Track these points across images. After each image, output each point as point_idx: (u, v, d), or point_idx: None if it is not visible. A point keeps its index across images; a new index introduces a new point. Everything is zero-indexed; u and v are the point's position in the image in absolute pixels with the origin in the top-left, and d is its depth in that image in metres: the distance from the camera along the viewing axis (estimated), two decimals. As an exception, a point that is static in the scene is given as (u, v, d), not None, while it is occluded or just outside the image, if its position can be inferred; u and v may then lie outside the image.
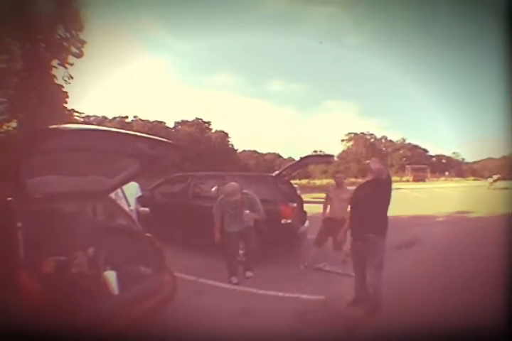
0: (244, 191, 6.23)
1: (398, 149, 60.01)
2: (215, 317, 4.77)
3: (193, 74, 79.15)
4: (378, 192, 4.75)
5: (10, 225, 3.57)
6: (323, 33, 63.84)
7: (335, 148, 61.93)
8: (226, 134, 55.97)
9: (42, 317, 3.13)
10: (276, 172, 8.80)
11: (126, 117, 52.48)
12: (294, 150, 79.60)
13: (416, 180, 49.48)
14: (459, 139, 64.91)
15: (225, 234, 6.28)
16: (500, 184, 29.07)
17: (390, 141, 62.09)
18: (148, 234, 4.75)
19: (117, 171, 4.77)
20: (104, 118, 51.06)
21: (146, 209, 7.01)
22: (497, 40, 7.89)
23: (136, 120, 52.39)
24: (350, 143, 61.34)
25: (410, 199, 20.96)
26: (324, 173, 51.91)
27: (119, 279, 4.15)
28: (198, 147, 48.65)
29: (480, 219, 13.06)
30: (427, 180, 50.56)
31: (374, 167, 4.73)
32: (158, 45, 69.88)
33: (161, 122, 52.96)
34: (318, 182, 42.98)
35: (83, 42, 19.66)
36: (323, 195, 7.26)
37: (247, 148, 62.11)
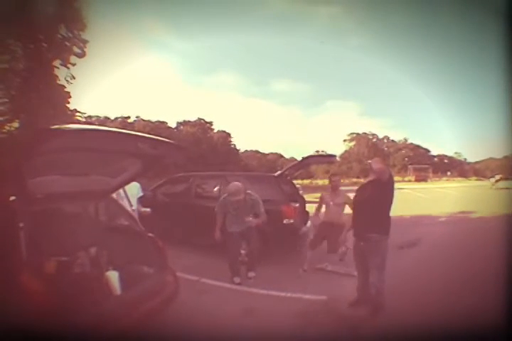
0: (248, 191, 6.23)
1: (400, 149, 60.07)
2: (217, 317, 4.77)
3: (196, 74, 79.52)
4: (380, 192, 4.75)
5: (12, 225, 3.57)
6: (325, 33, 63.83)
7: (337, 148, 62.04)
8: (228, 134, 56.09)
9: (44, 318, 3.13)
10: (279, 172, 8.80)
11: (129, 117, 52.68)
12: (296, 150, 79.73)
13: (418, 180, 49.52)
14: (461, 139, 64.83)
15: (226, 233, 6.27)
16: (503, 184, 29.11)
17: (392, 140, 62.23)
18: (150, 234, 4.75)
19: (119, 171, 4.77)
20: (106, 118, 51.28)
21: (148, 209, 7.01)
22: (497, 40, 7.89)
23: (138, 120, 52.53)
24: (353, 143, 61.43)
25: (412, 199, 20.96)
26: (326, 173, 51.81)
27: (122, 279, 4.15)
28: (200, 147, 48.72)
29: (482, 219, 13.04)
30: (429, 180, 50.58)
31: (376, 167, 4.73)
32: (161, 45, 70.17)
33: (163, 122, 53.12)
34: (320, 182, 43.09)
35: (85, 42, 19.70)
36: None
37: (249, 148, 62.29)
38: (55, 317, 3.15)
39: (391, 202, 4.84)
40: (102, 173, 4.66)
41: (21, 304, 3.19)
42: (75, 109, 23.08)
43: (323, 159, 11.62)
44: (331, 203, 6.74)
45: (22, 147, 3.96)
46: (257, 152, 63.35)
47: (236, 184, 6.15)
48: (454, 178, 52.68)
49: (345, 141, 61.78)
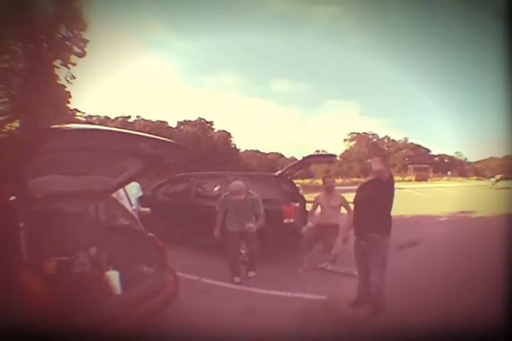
0: (249, 191, 6.23)
1: (400, 149, 59.93)
2: (217, 317, 4.76)
3: (196, 74, 79.37)
4: (380, 191, 4.75)
5: (12, 225, 3.57)
6: (325, 33, 63.81)
7: (337, 147, 61.84)
8: (229, 134, 55.97)
9: (44, 318, 3.13)
10: (279, 171, 8.82)
11: (129, 117, 52.56)
12: (296, 149, 79.50)
13: (418, 179, 49.44)
14: (461, 139, 64.73)
15: (226, 233, 6.27)
16: (503, 183, 29.05)
17: (393, 140, 62.04)
18: (150, 234, 4.75)
19: (120, 171, 4.77)
20: (107, 118, 51.15)
21: (148, 209, 7.01)
22: (497, 40, 7.89)
23: (139, 120, 52.42)
24: (353, 142, 61.27)
25: (412, 198, 20.94)
26: (327, 173, 51.90)
27: (122, 279, 4.16)
28: (200, 147, 48.66)
29: (482, 218, 13.05)
30: (429, 179, 50.49)
31: (375, 168, 4.73)
32: (161, 45, 69.96)
33: (163, 122, 52.97)
34: (320, 181, 43.04)
35: (86, 42, 19.72)
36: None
37: (249, 148, 62.07)
38: (55, 317, 3.15)
39: (392, 202, 4.84)
40: (102, 173, 4.66)
41: (21, 304, 3.19)
42: (76, 109, 23.16)
43: (323, 159, 11.64)
44: (326, 205, 6.72)
45: (22, 147, 3.96)
46: (258, 152, 63.25)
47: (238, 183, 6.15)
48: (455, 178, 52.57)
49: (345, 140, 61.70)
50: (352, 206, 5.59)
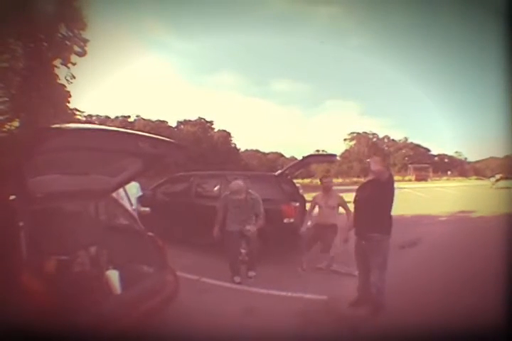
0: (249, 191, 6.23)
1: (400, 148, 60.04)
2: (217, 317, 4.76)
3: (196, 73, 79.56)
4: (380, 191, 4.75)
5: (12, 224, 3.57)
6: (325, 33, 63.88)
7: (337, 147, 61.97)
8: (229, 134, 56.08)
9: (44, 318, 3.13)
10: (279, 171, 8.80)
11: (129, 116, 52.67)
12: (296, 149, 79.55)
13: (418, 179, 49.54)
14: (461, 139, 64.99)
15: (226, 233, 6.27)
16: (503, 183, 29.10)
17: (393, 140, 62.21)
18: (150, 233, 4.75)
19: (119, 170, 4.77)
20: (107, 117, 51.26)
21: (147, 209, 7.01)
22: (497, 40, 7.88)
23: (139, 119, 52.52)
24: (353, 142, 61.41)
25: (412, 198, 20.95)
26: (327, 172, 51.93)
27: (122, 278, 4.15)
28: (200, 146, 48.72)
29: (482, 218, 13.05)
30: (429, 179, 50.59)
31: (374, 169, 4.73)
32: (161, 45, 70.18)
33: (163, 121, 53.10)
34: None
35: (86, 41, 19.75)
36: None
37: (249, 148, 62.25)
38: (55, 316, 3.15)
39: (392, 202, 4.84)
40: (102, 172, 4.66)
41: (21, 304, 3.19)
42: (75, 108, 23.16)
43: (323, 158, 11.64)
44: (324, 205, 6.68)
45: (22, 146, 3.95)
46: (258, 151, 63.35)
47: (238, 183, 6.16)
48: (455, 178, 52.63)
49: (345, 140, 61.81)
50: (351, 206, 5.59)
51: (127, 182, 5.25)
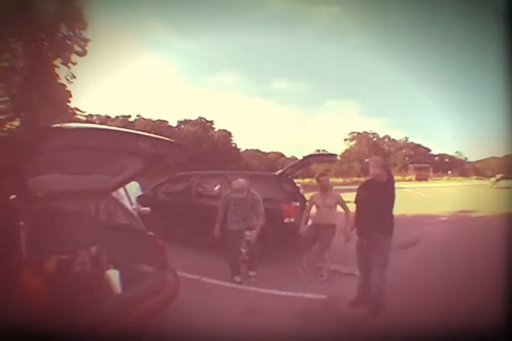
0: (251, 191, 6.24)
1: (401, 148, 60.06)
2: (217, 316, 4.76)
3: (196, 73, 79.77)
4: (381, 191, 4.76)
5: (12, 224, 3.57)
6: (325, 33, 63.94)
7: (338, 147, 61.98)
8: (229, 133, 56.11)
9: (44, 318, 3.13)
10: (279, 171, 8.79)
11: (129, 116, 52.70)
12: (296, 149, 79.81)
13: (418, 179, 49.57)
14: (461, 138, 65.09)
15: (227, 232, 6.28)
16: (503, 183, 29.13)
17: (393, 140, 62.25)
18: (150, 233, 4.75)
19: (120, 170, 4.77)
20: (107, 117, 51.26)
21: (147, 208, 7.01)
22: (497, 40, 7.89)
23: (139, 119, 52.56)
24: (353, 142, 61.45)
25: (413, 198, 20.96)
26: (327, 172, 51.85)
27: (122, 278, 4.15)
28: (201, 146, 48.73)
29: (482, 218, 13.05)
30: (429, 179, 50.61)
31: (372, 172, 4.75)
32: (161, 45, 70.34)
33: (164, 121, 53.14)
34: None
35: (87, 41, 19.76)
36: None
37: (249, 147, 62.32)
38: (55, 316, 3.15)
39: (393, 201, 4.85)
40: (102, 172, 4.66)
41: (21, 304, 3.19)
42: (76, 108, 23.19)
43: (323, 158, 11.60)
44: (322, 204, 6.60)
45: (23, 145, 3.96)
46: (258, 151, 63.40)
47: (240, 181, 6.18)
48: (455, 177, 52.65)
49: (345, 140, 61.87)
50: (351, 205, 5.59)
51: (128, 181, 5.26)
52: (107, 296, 3.96)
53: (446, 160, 59.02)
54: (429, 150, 60.17)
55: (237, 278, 6.22)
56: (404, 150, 59.48)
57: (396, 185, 4.95)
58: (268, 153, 63.65)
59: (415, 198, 21.40)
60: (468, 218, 13.64)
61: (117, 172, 4.80)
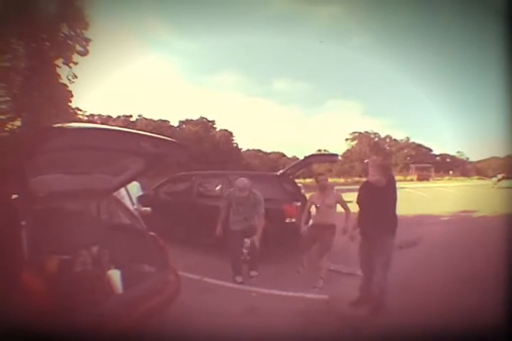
0: (253, 190, 6.25)
1: (402, 148, 59.94)
2: (218, 317, 4.76)
3: (197, 73, 79.58)
4: (381, 193, 4.75)
5: (14, 224, 3.57)
6: (325, 33, 63.99)
7: (339, 147, 61.88)
8: (230, 133, 56.03)
9: (44, 318, 3.13)
10: (281, 171, 8.81)
11: (131, 116, 52.65)
12: (298, 149, 79.54)
13: (420, 179, 49.47)
14: (463, 138, 64.84)
15: (229, 232, 6.30)
16: (505, 183, 29.03)
17: (394, 140, 62.07)
18: (152, 233, 4.75)
19: (121, 169, 4.77)
20: (109, 117, 51.21)
21: (148, 208, 7.00)
22: (497, 40, 7.89)
23: (141, 119, 52.50)
24: (355, 142, 61.35)
25: (414, 198, 20.93)
26: (329, 172, 51.84)
27: (123, 278, 4.15)
28: (202, 146, 48.69)
29: (484, 218, 13.03)
30: (431, 179, 50.50)
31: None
32: (163, 45, 70.26)
33: (165, 121, 53.08)
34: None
35: (88, 41, 19.75)
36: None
37: (251, 147, 62.16)
38: (55, 316, 3.15)
39: (395, 202, 4.85)
40: (104, 172, 4.66)
41: (22, 303, 3.19)
42: (77, 108, 23.22)
43: (325, 158, 11.59)
44: (321, 204, 6.51)
45: (24, 145, 3.97)
46: (259, 151, 63.29)
47: (243, 180, 6.20)
48: (456, 177, 52.52)
49: (347, 140, 61.76)
50: (352, 205, 5.59)
51: (129, 181, 5.26)
52: (108, 296, 3.97)
53: (448, 160, 58.92)
54: (430, 150, 60.11)
55: (239, 278, 6.23)
56: (405, 150, 59.37)
57: (397, 185, 4.95)
58: (269, 153, 63.57)
59: (417, 198, 21.37)
60: (470, 218, 13.63)
61: (119, 172, 4.80)
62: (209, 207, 7.50)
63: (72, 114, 21.61)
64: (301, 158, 8.82)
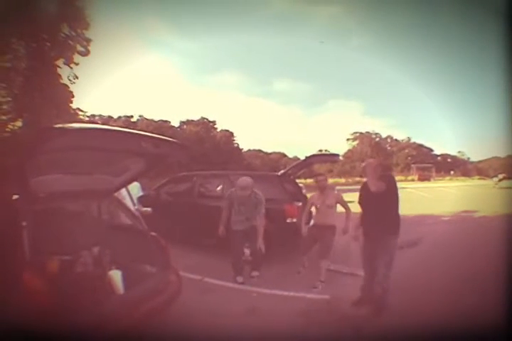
0: (254, 190, 6.26)
1: (403, 148, 60.05)
2: (219, 317, 4.76)
3: (199, 73, 79.78)
4: (381, 195, 4.74)
5: (14, 224, 3.57)
6: (325, 33, 64.04)
7: (340, 147, 62.01)
8: (231, 133, 56.13)
9: (45, 318, 3.13)
10: (282, 171, 8.81)
11: (132, 116, 52.73)
12: (299, 149, 79.93)
13: (421, 179, 49.50)
14: (464, 138, 65.01)
15: (230, 232, 6.31)
16: (506, 183, 29.07)
17: (396, 140, 62.25)
18: (153, 233, 4.75)
19: (122, 170, 4.78)
20: (109, 117, 51.30)
21: (149, 209, 7.00)
22: (497, 40, 7.89)
23: (142, 119, 52.61)
24: (356, 142, 61.49)
25: (415, 198, 20.91)
26: (330, 172, 51.90)
27: (125, 278, 4.15)
28: (203, 146, 48.72)
29: (485, 218, 13.01)
30: (432, 179, 50.52)
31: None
32: (163, 45, 70.41)
33: (166, 121, 53.19)
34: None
35: (89, 41, 19.74)
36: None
37: (252, 148, 62.36)
38: (56, 317, 3.15)
39: (397, 202, 4.85)
40: (105, 172, 4.67)
41: (23, 304, 3.19)
42: (78, 108, 23.22)
43: (326, 158, 11.59)
44: (321, 204, 6.48)
45: (25, 146, 3.97)
46: (260, 151, 63.40)
47: (246, 179, 6.20)
48: (457, 177, 52.56)
49: (348, 140, 61.91)
50: (353, 205, 5.59)
51: (130, 182, 5.26)
52: (109, 296, 3.97)
53: (449, 160, 58.99)
54: (431, 150, 60.24)
55: (240, 279, 6.24)
56: (406, 151, 59.44)
57: (399, 184, 4.95)
58: (270, 153, 63.67)
59: (418, 198, 21.35)
60: (471, 218, 13.61)
61: (120, 173, 4.80)
62: (210, 208, 7.51)
63: (73, 115, 21.59)
64: (302, 158, 8.81)
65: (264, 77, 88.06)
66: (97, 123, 41.91)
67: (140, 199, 7.15)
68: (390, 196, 4.78)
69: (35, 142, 3.42)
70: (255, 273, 6.41)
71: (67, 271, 4.11)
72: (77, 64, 19.77)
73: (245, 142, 73.71)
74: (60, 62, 19.39)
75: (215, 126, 55.87)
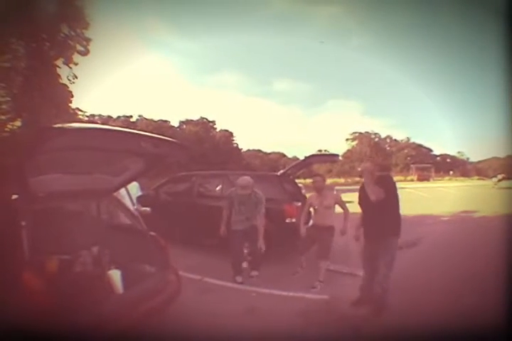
0: (254, 189, 6.27)
1: (403, 148, 60.02)
2: (219, 317, 4.75)
3: (198, 73, 79.72)
4: (382, 199, 4.73)
5: (14, 224, 3.57)
6: (325, 33, 64.04)
7: (339, 147, 61.98)
8: (231, 133, 56.08)
9: (44, 318, 3.13)
10: (281, 171, 8.82)
11: (131, 116, 52.69)
12: (298, 149, 79.89)
13: (420, 179, 49.50)
14: (463, 138, 64.95)
15: (230, 232, 6.31)
16: (505, 183, 29.07)
17: (395, 140, 62.18)
18: (152, 233, 4.75)
19: (122, 170, 4.77)
20: (109, 117, 51.26)
21: (148, 209, 6.99)
22: (497, 40, 7.88)
23: (141, 119, 52.57)
24: (355, 142, 61.40)
25: (415, 198, 20.89)
26: (329, 172, 51.92)
27: (124, 278, 4.15)
28: (202, 146, 48.68)
29: (484, 218, 13.02)
30: (431, 179, 50.53)
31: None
32: (163, 45, 70.38)
33: (165, 121, 53.15)
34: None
35: (89, 40, 19.73)
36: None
37: (251, 148, 62.27)
38: (55, 316, 3.15)
39: (397, 202, 4.85)
40: (104, 172, 4.66)
41: (22, 303, 3.19)
42: (78, 108, 23.20)
43: (325, 158, 11.62)
44: (319, 205, 6.42)
45: (24, 145, 3.98)
46: (259, 151, 63.34)
47: (246, 178, 6.23)
48: (457, 178, 52.53)
49: (347, 140, 61.82)
50: (353, 205, 5.59)
51: (129, 181, 5.25)
52: (108, 296, 3.97)
53: (448, 160, 58.96)
54: (430, 150, 60.20)
55: (239, 278, 6.24)
56: (406, 151, 59.40)
57: (398, 185, 4.95)
58: (269, 153, 63.63)
59: (417, 198, 21.34)
60: (470, 218, 13.62)
61: (119, 173, 4.80)
62: (209, 208, 7.51)
63: (73, 115, 21.58)
64: (302, 158, 8.82)
65: (264, 77, 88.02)
66: (97, 123, 41.86)
67: (139, 199, 7.14)
68: (390, 199, 4.77)
69: (34, 142, 3.41)
70: (254, 273, 6.41)
71: (66, 271, 4.10)
72: (76, 64, 19.78)
73: (245, 142, 73.62)
74: (59, 62, 19.40)
75: (215, 126, 55.89)
